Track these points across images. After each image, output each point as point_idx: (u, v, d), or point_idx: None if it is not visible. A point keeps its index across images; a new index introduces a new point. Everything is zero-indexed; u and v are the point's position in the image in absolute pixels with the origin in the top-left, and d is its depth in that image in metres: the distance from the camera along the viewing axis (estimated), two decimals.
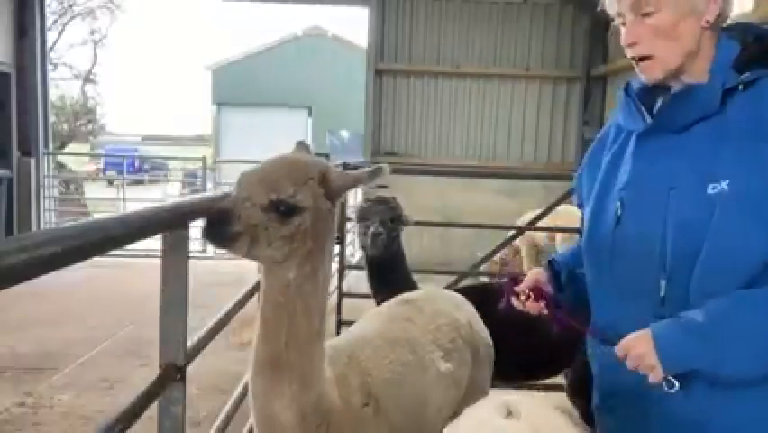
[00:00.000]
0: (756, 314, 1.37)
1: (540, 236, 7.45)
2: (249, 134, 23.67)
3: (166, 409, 1.67)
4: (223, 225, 1.51)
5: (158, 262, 1.69)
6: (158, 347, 1.68)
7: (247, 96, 25.17)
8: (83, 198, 15.12)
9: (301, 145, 1.81)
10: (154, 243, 1.74)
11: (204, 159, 12.68)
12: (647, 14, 1.46)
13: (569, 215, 5.71)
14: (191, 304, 1.71)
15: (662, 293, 1.47)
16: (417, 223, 3.47)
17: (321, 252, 1.63)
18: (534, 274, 1.73)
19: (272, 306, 1.62)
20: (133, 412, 1.44)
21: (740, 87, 1.43)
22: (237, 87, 25.28)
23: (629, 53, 1.52)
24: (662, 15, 1.45)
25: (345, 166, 4.52)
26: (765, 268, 1.38)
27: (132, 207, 2.70)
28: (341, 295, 4.81)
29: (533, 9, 10.33)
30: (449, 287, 3.80)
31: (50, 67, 12.81)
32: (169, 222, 1.64)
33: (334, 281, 4.69)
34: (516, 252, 7.87)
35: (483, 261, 5.49)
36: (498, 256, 6.41)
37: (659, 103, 1.57)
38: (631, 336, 1.44)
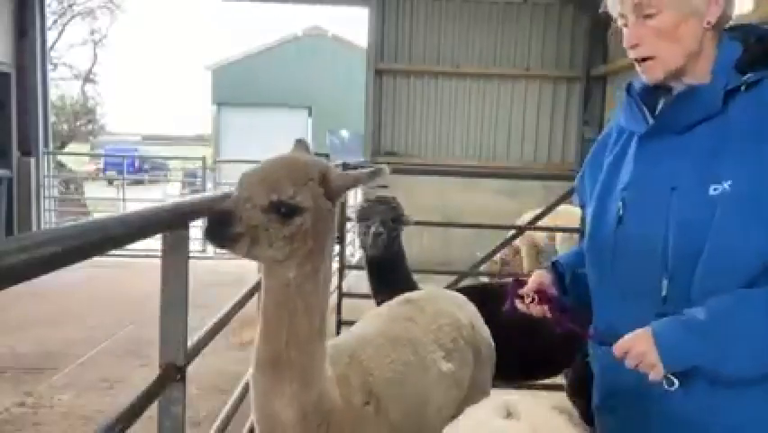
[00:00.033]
0: (757, 313, 1.38)
1: (540, 236, 7.46)
2: (249, 134, 23.67)
3: (166, 409, 1.68)
4: (224, 226, 1.51)
5: (158, 262, 1.70)
6: (158, 347, 1.68)
7: (247, 96, 25.17)
8: (83, 197, 15.10)
9: (300, 144, 1.81)
10: (154, 243, 1.74)
11: (204, 159, 12.71)
12: (649, 16, 1.46)
13: (569, 215, 5.71)
14: (191, 304, 1.71)
15: (663, 293, 1.47)
16: (418, 223, 3.47)
17: (321, 251, 1.63)
18: (539, 277, 1.73)
19: (273, 305, 1.62)
20: (133, 412, 1.44)
21: (742, 88, 1.44)
22: (237, 87, 25.28)
23: (631, 54, 1.52)
24: (664, 17, 1.45)
25: (345, 166, 4.51)
26: (766, 268, 1.38)
27: (132, 207, 2.70)
28: (341, 295, 4.81)
29: (533, 9, 10.33)
30: (449, 287, 3.80)
31: (50, 67, 12.80)
32: (169, 222, 1.65)
33: (334, 281, 4.69)
34: (516, 252, 7.89)
35: (483, 261, 5.50)
36: (498, 256, 6.42)
37: (661, 104, 1.57)
38: (630, 335, 1.44)
